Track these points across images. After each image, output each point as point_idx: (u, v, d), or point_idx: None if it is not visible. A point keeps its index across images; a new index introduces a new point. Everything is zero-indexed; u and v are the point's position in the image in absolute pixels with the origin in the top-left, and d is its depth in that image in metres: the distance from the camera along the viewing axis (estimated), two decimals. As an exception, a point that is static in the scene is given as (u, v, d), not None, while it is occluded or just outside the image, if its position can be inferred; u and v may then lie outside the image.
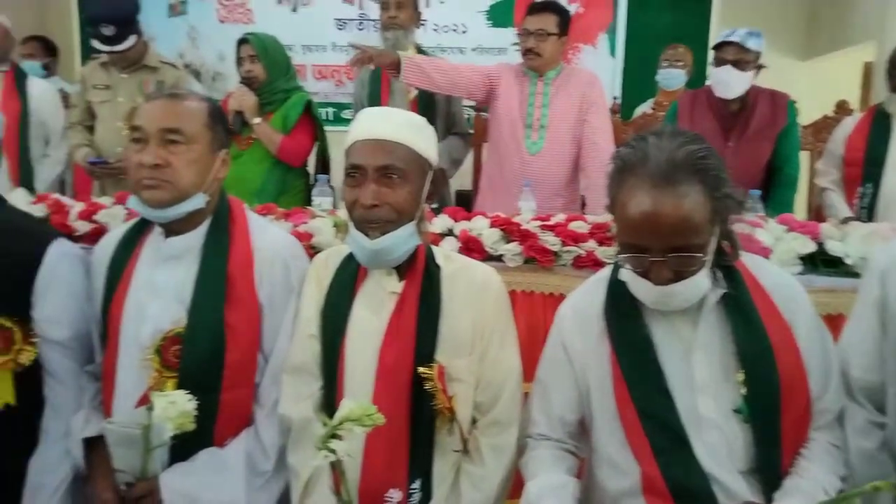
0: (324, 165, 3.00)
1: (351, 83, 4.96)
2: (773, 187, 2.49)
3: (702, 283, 1.08)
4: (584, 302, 1.23)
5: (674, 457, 1.09)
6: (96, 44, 2.74)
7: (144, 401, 1.26)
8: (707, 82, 2.63)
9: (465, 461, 1.25)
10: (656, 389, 1.10)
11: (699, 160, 1.03)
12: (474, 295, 1.28)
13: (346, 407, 0.96)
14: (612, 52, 4.60)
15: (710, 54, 2.52)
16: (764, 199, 2.25)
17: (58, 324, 1.38)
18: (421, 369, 1.19)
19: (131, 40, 2.76)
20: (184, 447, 1.27)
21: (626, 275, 1.10)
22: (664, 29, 4.34)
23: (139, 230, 1.41)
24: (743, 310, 1.12)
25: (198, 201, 1.32)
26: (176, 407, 1.11)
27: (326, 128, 2.91)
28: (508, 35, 4.61)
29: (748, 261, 1.20)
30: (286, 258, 1.39)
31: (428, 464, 1.23)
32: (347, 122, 4.08)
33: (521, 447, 1.27)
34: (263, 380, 1.35)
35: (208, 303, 1.30)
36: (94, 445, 1.34)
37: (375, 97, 2.87)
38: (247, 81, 2.75)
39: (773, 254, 1.80)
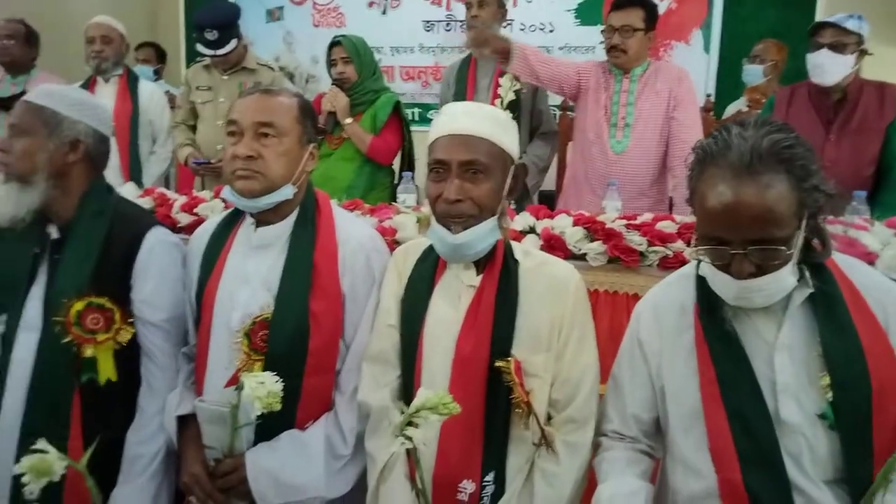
0: (409, 163, 3.06)
1: (437, 84, 5.05)
2: (882, 188, 2.31)
3: (786, 280, 1.03)
4: (663, 299, 1.20)
5: (758, 463, 1.03)
6: (201, 48, 2.92)
7: (233, 381, 1.33)
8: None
9: (539, 457, 1.24)
10: (748, 391, 1.05)
11: (784, 149, 0.98)
12: (553, 291, 1.27)
13: (422, 396, 0.98)
14: (707, 48, 4.42)
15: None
16: (871, 201, 2.10)
17: (154, 306, 1.48)
18: (498, 363, 1.19)
19: (232, 44, 2.91)
20: (268, 428, 1.33)
21: (707, 269, 1.06)
22: (764, 24, 4.13)
23: (232, 221, 1.49)
24: (832, 310, 1.05)
25: (286, 192, 1.38)
26: (264, 388, 1.16)
27: (412, 128, 2.97)
28: (597, 33, 4.50)
29: (841, 261, 1.12)
30: (369, 250, 1.43)
31: (502, 457, 1.23)
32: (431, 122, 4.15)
33: (595, 445, 1.25)
34: (344, 367, 1.40)
35: (294, 291, 1.36)
36: (187, 422, 1.43)
37: (461, 97, 2.89)
38: (338, 82, 2.83)
39: (878, 260, 1.68)
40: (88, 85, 3.03)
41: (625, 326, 1.76)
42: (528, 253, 1.32)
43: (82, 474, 1.08)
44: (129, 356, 1.45)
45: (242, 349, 1.33)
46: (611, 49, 2.50)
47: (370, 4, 5.07)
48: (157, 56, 4.43)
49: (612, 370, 1.26)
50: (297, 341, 1.34)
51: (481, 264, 1.29)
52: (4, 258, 1.44)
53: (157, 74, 4.34)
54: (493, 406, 1.21)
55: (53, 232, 1.45)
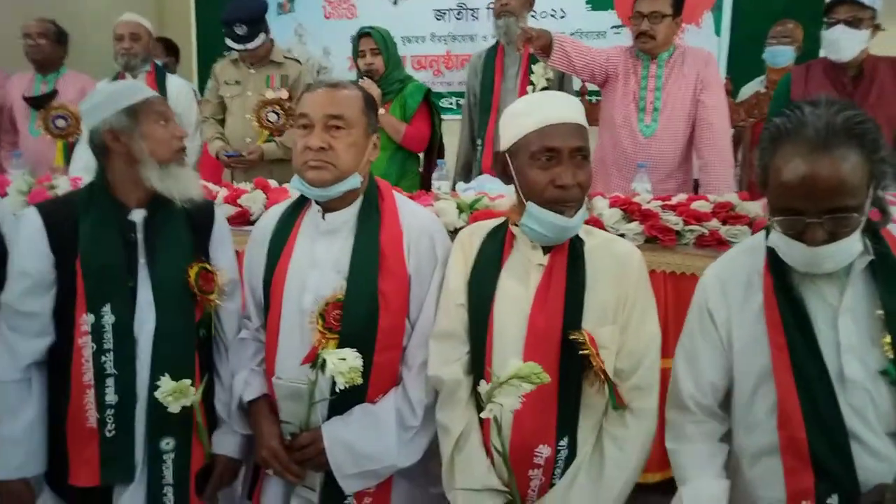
0: (439, 151, 3.13)
1: (448, 72, 5.10)
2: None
3: (854, 246, 1.10)
4: (728, 270, 1.27)
5: (820, 421, 1.11)
6: (230, 42, 2.97)
7: (309, 359, 1.40)
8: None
9: (608, 423, 1.32)
10: (813, 354, 1.12)
11: (857, 125, 1.05)
12: (617, 268, 1.34)
13: (513, 365, 1.05)
14: (717, 31, 4.47)
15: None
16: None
17: (226, 270, 1.61)
18: (572, 335, 1.26)
19: (261, 38, 2.97)
20: (341, 402, 1.41)
21: (777, 239, 1.13)
22: (774, 5, 4.17)
23: (297, 208, 1.55)
24: (891, 275, 1.13)
25: (354, 181, 1.44)
26: (346, 363, 1.24)
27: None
28: (608, 19, 4.58)
29: (894, 229, 1.20)
30: (432, 233, 1.50)
31: (574, 423, 1.31)
32: (446, 110, 4.19)
33: (671, 422, 1.33)
34: (410, 344, 1.47)
35: (364, 273, 1.42)
36: (257, 403, 1.52)
37: (489, 84, 2.96)
38: (368, 73, 2.89)
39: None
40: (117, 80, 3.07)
41: (662, 305, 1.85)
42: (590, 232, 1.39)
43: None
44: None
45: (317, 329, 1.40)
46: (639, 35, 2.55)
47: (381, -6, 5.10)
48: (166, 50, 4.44)
49: (681, 344, 1.32)
50: (367, 320, 1.41)
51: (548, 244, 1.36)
52: (94, 252, 1.47)
53: (167, 69, 4.37)
54: (566, 376, 1.28)
55: (139, 214, 1.52)
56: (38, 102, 3.06)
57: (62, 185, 2.36)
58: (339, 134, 1.40)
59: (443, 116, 3.32)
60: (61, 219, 1.49)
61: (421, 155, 3.14)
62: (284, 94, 3.06)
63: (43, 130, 2.95)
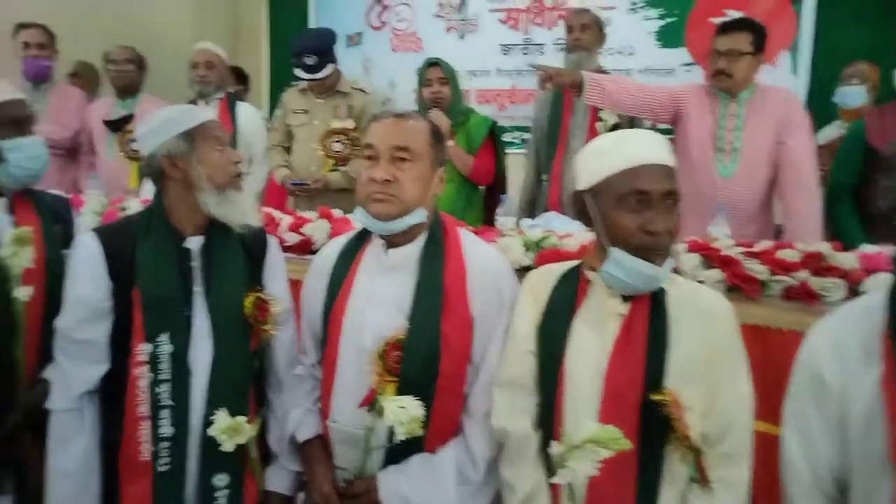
0: (502, 185, 3.08)
1: (513, 107, 5.07)
2: None
3: None
4: (843, 332, 1.11)
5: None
6: (299, 72, 3.01)
7: (367, 402, 1.33)
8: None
9: (692, 495, 1.19)
10: None
11: None
12: (704, 320, 1.23)
13: (590, 428, 0.95)
14: (794, 70, 4.29)
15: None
16: None
17: (279, 300, 1.55)
18: (654, 395, 1.15)
19: (329, 68, 3.00)
20: (398, 450, 1.34)
21: None
22: (855, 45, 3.98)
23: (358, 242, 1.50)
24: None
25: (419, 215, 1.38)
26: (406, 412, 1.16)
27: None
28: (678, 56, 4.47)
29: None
30: (498, 274, 1.42)
31: (655, 494, 1.19)
32: (509, 145, 4.15)
33: None
34: (473, 391, 1.38)
35: (426, 313, 1.35)
36: (311, 444, 1.46)
37: (556, 119, 2.89)
38: (434, 103, 2.87)
39: None
40: (191, 108, 3.15)
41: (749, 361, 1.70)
42: (672, 280, 1.28)
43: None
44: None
45: (376, 370, 1.33)
46: (716, 74, 2.44)
47: (448, 29, 5.14)
48: (238, 79, 4.56)
49: (787, 416, 1.17)
50: (428, 363, 1.33)
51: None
52: (152, 281, 1.45)
53: (238, 97, 4.48)
54: (647, 440, 1.16)
55: (196, 242, 1.49)
56: (116, 126, 3.16)
57: (133, 207, 2.40)
58: (405, 166, 1.35)
59: (506, 151, 3.27)
60: (119, 245, 1.45)
61: (482, 189, 3.09)
62: (350, 123, 3.07)
63: (118, 153, 3.03)
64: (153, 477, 1.40)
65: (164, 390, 1.41)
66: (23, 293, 1.47)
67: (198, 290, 1.47)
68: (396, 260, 1.41)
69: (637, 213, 1.19)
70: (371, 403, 1.32)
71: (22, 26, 3.30)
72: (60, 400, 1.45)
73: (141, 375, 1.41)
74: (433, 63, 2.97)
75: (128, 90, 3.30)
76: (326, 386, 1.44)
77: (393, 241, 1.42)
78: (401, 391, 1.31)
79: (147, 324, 1.42)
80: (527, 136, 4.90)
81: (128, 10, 4.74)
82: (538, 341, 1.31)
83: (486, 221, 2.91)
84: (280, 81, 5.17)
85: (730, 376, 1.21)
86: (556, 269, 1.37)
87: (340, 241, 1.55)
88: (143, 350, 1.41)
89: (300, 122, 3.12)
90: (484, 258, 1.44)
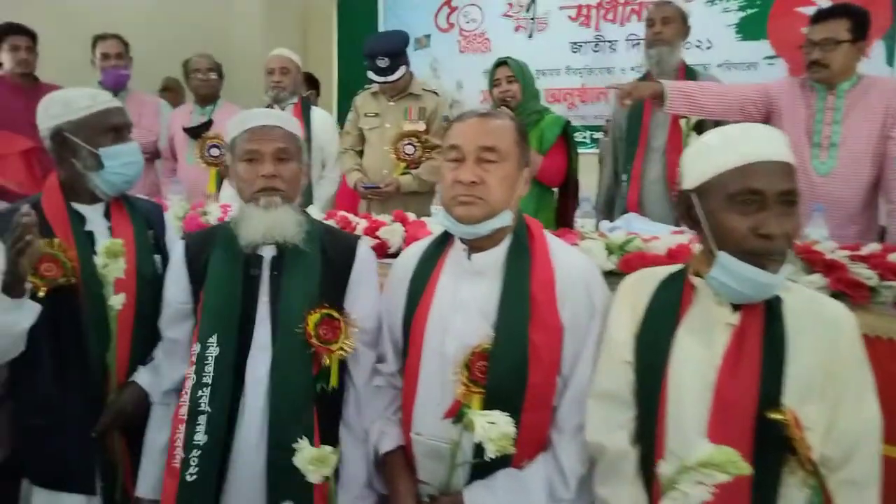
0: (574, 186, 2.98)
1: (583, 106, 4.95)
2: None
3: None
4: None
5: None
6: (371, 75, 3.00)
7: (452, 413, 1.29)
8: None
9: (814, 524, 1.09)
10: None
11: None
12: (826, 332, 1.12)
13: (704, 450, 0.87)
14: (890, 61, 4.02)
15: None
16: None
17: (365, 315, 1.49)
18: (771, 413, 1.05)
19: (402, 71, 2.98)
20: (484, 465, 1.26)
21: None
22: (958, 32, 3.68)
23: (440, 245, 1.46)
24: None
25: (505, 218, 1.33)
26: (496, 428, 1.11)
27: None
28: (760, 49, 4.25)
29: None
30: (588, 280, 1.35)
31: (770, 520, 1.09)
32: (580, 145, 4.05)
33: None
34: (562, 403, 1.31)
35: (513, 321, 1.30)
36: (393, 456, 1.40)
37: (636, 116, 2.77)
38: (503, 102, 2.82)
39: None
40: (267, 113, 3.19)
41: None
42: (789, 288, 1.17)
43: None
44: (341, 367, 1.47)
45: (462, 380, 1.28)
46: (811, 65, 2.28)
47: (517, 29, 5.07)
48: (309, 84, 4.62)
49: None
50: (516, 374, 1.27)
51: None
52: (213, 282, 1.46)
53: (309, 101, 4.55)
54: (762, 462, 1.07)
55: (269, 251, 1.48)
56: (196, 132, 3.24)
57: (213, 212, 2.44)
58: (492, 167, 1.30)
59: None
60: (199, 249, 1.49)
61: (555, 190, 3.00)
62: (422, 126, 3.05)
63: (198, 159, 3.11)
64: (178, 485, 1.37)
65: (204, 395, 1.38)
66: (116, 301, 1.50)
67: (264, 300, 1.45)
68: (480, 265, 1.36)
69: (748, 215, 1.10)
70: (456, 415, 1.27)
71: (99, 38, 3.42)
72: (155, 394, 1.53)
73: (188, 376, 1.42)
74: (502, 62, 2.93)
75: (208, 97, 3.39)
76: (408, 396, 1.39)
77: (476, 245, 1.37)
78: (487, 402, 1.25)
79: (201, 325, 1.44)
80: (598, 135, 4.79)
81: (203, 20, 4.90)
82: (636, 351, 1.23)
83: (559, 224, 2.83)
84: (348, 87, 5.24)
85: (854, 394, 1.10)
86: (655, 274, 1.28)
87: (421, 246, 1.51)
88: (194, 351, 1.43)
89: (372, 125, 3.12)
90: (573, 263, 1.37)
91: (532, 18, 5.03)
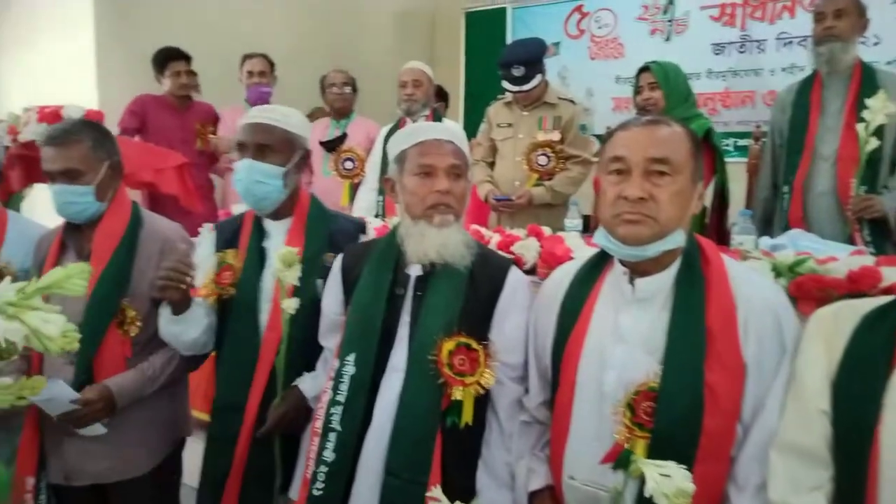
0: (722, 198, 2.74)
1: (726, 111, 4.61)
2: None
3: None
4: None
5: None
6: (506, 84, 2.91)
7: (611, 457, 1.15)
8: None
9: None
10: None
11: None
12: None
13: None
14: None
15: None
16: None
17: (510, 349, 1.38)
18: None
19: (537, 79, 2.87)
20: (647, 517, 1.12)
21: None
22: None
23: (597, 266, 1.32)
24: None
25: (677, 239, 1.17)
26: (672, 483, 0.95)
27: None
28: (940, 43, 3.74)
29: None
30: (777, 311, 1.16)
31: None
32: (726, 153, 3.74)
33: None
34: (742, 455, 1.13)
35: (685, 357, 1.14)
36: (542, 494, 1.30)
37: (801, 122, 2.48)
38: (643, 110, 2.68)
39: None
40: (398, 125, 3.19)
41: None
42: None
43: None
44: (480, 400, 1.36)
45: (623, 421, 1.14)
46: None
47: (652, 32, 4.81)
48: (437, 96, 4.61)
49: None
50: (688, 419, 1.11)
51: None
52: (359, 299, 1.44)
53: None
54: None
55: (416, 270, 1.42)
56: (331, 146, 3.30)
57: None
58: (663, 181, 1.15)
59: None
60: (354, 262, 1.48)
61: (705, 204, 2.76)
62: (556, 135, 2.92)
63: (333, 171, 3.16)
64: (307, 498, 1.36)
65: (336, 413, 1.37)
66: (288, 305, 1.51)
67: (405, 320, 1.40)
68: (645, 291, 1.21)
69: None
70: (617, 460, 1.13)
71: (247, 56, 3.60)
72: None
73: (326, 391, 1.40)
74: (644, 68, 2.76)
75: (343, 111, 3.46)
76: (559, 434, 1.27)
77: (639, 269, 1.22)
78: (653, 449, 1.10)
79: (342, 341, 1.41)
80: (743, 142, 4.42)
81: (339, 36, 5.06)
82: (835, 399, 1.03)
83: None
84: (475, 98, 5.21)
85: None
86: (855, 308, 1.08)
87: (573, 266, 1.38)
88: (333, 366, 1.41)
89: (504, 135, 3.03)
90: (758, 291, 1.18)
91: (670, 20, 4.75)
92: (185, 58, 3.47)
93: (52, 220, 1.78)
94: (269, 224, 1.68)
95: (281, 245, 1.58)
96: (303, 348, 1.57)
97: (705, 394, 1.11)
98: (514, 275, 1.43)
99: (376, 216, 2.99)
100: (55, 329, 0.74)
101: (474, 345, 1.33)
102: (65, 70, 3.97)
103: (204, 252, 1.72)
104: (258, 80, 3.55)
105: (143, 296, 1.65)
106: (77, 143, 1.62)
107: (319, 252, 1.63)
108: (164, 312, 1.56)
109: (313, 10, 4.95)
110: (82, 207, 1.64)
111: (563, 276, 1.37)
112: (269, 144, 1.60)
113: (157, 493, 1.73)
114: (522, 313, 1.40)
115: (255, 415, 1.57)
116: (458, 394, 1.30)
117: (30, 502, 1.65)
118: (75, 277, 0.77)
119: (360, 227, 1.76)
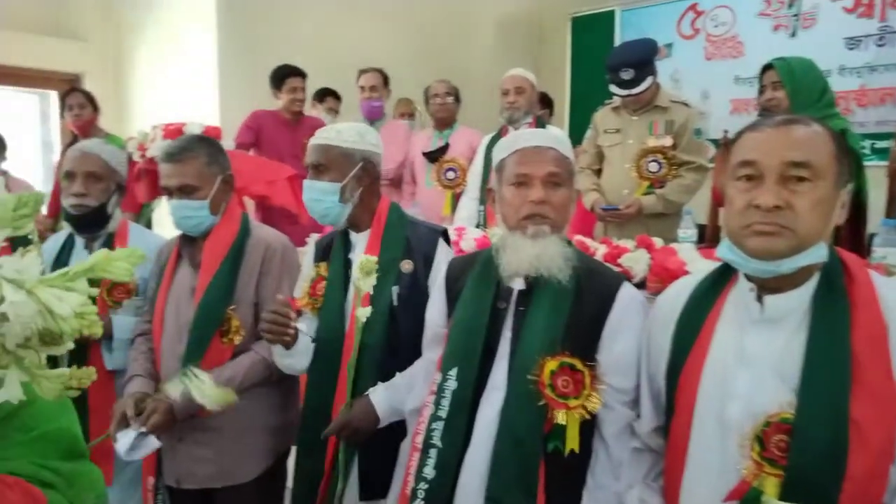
0: (859, 207, 2.46)
1: (861, 111, 4.23)
2: None
3: None
4: None
5: None
6: (613, 88, 2.79)
7: (736, 495, 1.02)
8: None
9: None
10: None
11: None
12: None
13: None
14: None
15: None
16: None
17: (620, 372, 1.29)
18: None
19: (647, 82, 2.73)
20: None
21: None
22: None
23: (718, 283, 1.20)
24: None
25: (819, 253, 1.04)
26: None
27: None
28: None
29: None
30: None
31: None
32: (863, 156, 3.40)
33: None
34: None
35: (826, 387, 0.99)
36: None
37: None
38: (765, 111, 2.47)
39: None
40: (500, 134, 3.14)
41: None
42: None
43: None
44: (586, 425, 1.27)
45: (752, 455, 1.01)
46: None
47: (775, 28, 4.49)
48: (542, 103, 4.52)
49: None
50: (829, 458, 0.97)
51: None
52: (461, 312, 1.40)
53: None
54: None
55: (518, 284, 1.35)
56: (434, 156, 3.30)
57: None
58: (803, 188, 1.02)
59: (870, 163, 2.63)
60: (458, 274, 1.45)
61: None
62: (668, 141, 2.75)
63: (435, 182, 3.15)
64: None
65: (437, 428, 1.33)
66: (362, 313, 1.50)
67: (507, 335, 1.34)
68: (777, 310, 1.07)
69: None
70: (743, 499, 1.01)
71: (362, 71, 3.68)
72: (384, 412, 1.55)
73: (427, 405, 1.37)
74: (768, 66, 2.57)
75: (445, 121, 3.45)
76: (674, 465, 1.15)
77: (769, 286, 1.09)
78: (787, 489, 0.98)
79: (444, 354, 1.38)
80: (882, 144, 4.01)
81: (443, 47, 5.09)
82: None
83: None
84: (581, 105, 5.07)
85: None
86: None
87: (691, 281, 1.26)
88: (435, 380, 1.37)
89: (612, 142, 2.89)
90: None
91: (795, 15, 4.41)
92: (302, 75, 3.59)
93: (175, 231, 1.87)
94: (353, 236, 1.72)
95: (362, 255, 1.57)
96: (376, 355, 1.57)
97: (850, 429, 0.96)
98: (626, 291, 1.33)
99: (477, 226, 2.95)
100: (67, 308, 0.70)
101: (579, 365, 1.24)
102: (190, 89, 4.25)
103: (308, 262, 1.77)
104: (370, 94, 3.61)
105: (247, 304, 1.70)
106: (192, 159, 1.69)
107: (395, 260, 1.63)
108: (276, 348, 1.59)
109: (418, 22, 5.02)
110: (198, 221, 1.71)
111: (679, 292, 1.26)
112: (324, 163, 1.64)
113: (262, 501, 1.76)
114: (635, 333, 1.29)
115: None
116: (561, 417, 1.23)
117: (150, 501, 1.74)
118: (120, 260, 0.75)
119: (439, 233, 1.73)
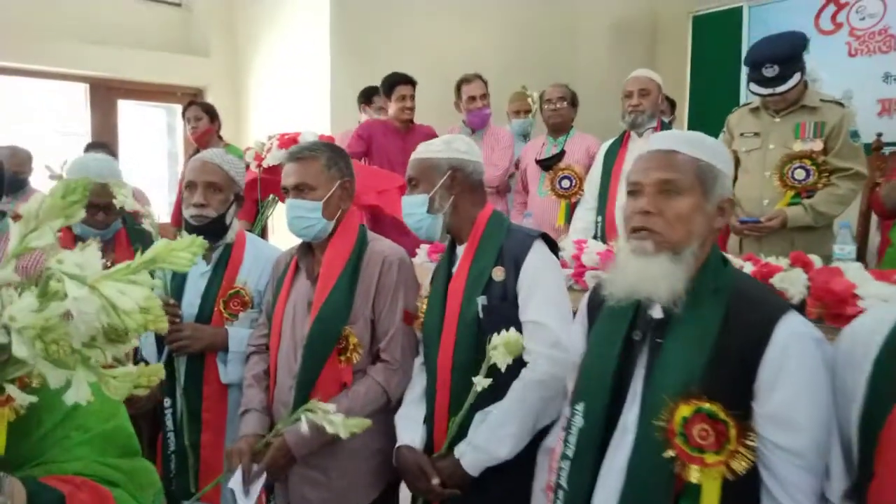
0: None
1: None
2: None
3: None
4: None
5: None
6: (753, 87, 2.53)
7: None
8: None
9: None
10: None
11: None
12: None
13: None
14: None
15: None
16: None
17: (785, 425, 1.05)
18: None
19: (794, 79, 2.44)
20: None
21: None
22: None
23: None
24: None
25: None
26: None
27: None
28: None
29: None
30: None
31: None
32: None
33: None
34: None
35: None
36: None
37: None
38: None
39: None
40: (622, 141, 2.93)
41: None
42: None
43: None
44: (739, 491, 1.05)
45: None
46: None
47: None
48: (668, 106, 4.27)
49: None
50: None
51: None
52: (594, 340, 1.27)
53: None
54: None
55: (656, 312, 1.17)
56: (547, 164, 3.14)
57: (567, 248, 2.25)
58: None
59: None
60: (600, 297, 1.29)
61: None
62: (818, 145, 2.45)
63: (549, 191, 2.99)
64: None
65: (565, 468, 1.21)
66: (479, 382, 1.44)
67: (640, 371, 1.16)
68: None
69: None
70: None
71: (464, 80, 3.55)
72: None
73: (561, 439, 1.25)
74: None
75: (560, 128, 3.28)
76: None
77: None
78: None
79: (574, 387, 1.28)
80: None
81: (554, 50, 4.92)
82: None
83: None
84: (700, 107, 4.74)
85: None
86: None
87: (890, 314, 1.03)
88: (565, 414, 1.28)
89: (750, 146, 2.61)
90: None
91: (960, 2, 3.89)
92: (412, 83, 3.54)
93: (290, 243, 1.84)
94: (459, 249, 1.67)
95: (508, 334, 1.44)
96: (467, 375, 1.47)
97: None
98: (789, 324, 1.07)
99: (594, 238, 2.75)
100: (131, 302, 0.65)
101: (721, 414, 1.03)
102: (303, 101, 4.33)
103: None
104: (480, 104, 3.47)
105: (365, 320, 1.62)
106: (312, 159, 1.68)
107: (485, 269, 1.55)
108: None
109: (527, 24, 4.88)
110: (310, 223, 1.66)
111: (876, 325, 1.03)
112: (415, 177, 1.65)
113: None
114: (805, 377, 1.05)
115: (444, 433, 1.53)
116: (694, 475, 1.03)
117: None
118: (182, 251, 0.69)
119: (534, 237, 1.58)
